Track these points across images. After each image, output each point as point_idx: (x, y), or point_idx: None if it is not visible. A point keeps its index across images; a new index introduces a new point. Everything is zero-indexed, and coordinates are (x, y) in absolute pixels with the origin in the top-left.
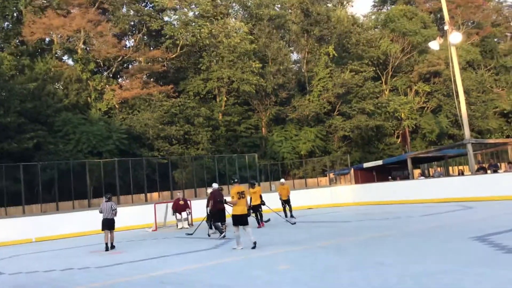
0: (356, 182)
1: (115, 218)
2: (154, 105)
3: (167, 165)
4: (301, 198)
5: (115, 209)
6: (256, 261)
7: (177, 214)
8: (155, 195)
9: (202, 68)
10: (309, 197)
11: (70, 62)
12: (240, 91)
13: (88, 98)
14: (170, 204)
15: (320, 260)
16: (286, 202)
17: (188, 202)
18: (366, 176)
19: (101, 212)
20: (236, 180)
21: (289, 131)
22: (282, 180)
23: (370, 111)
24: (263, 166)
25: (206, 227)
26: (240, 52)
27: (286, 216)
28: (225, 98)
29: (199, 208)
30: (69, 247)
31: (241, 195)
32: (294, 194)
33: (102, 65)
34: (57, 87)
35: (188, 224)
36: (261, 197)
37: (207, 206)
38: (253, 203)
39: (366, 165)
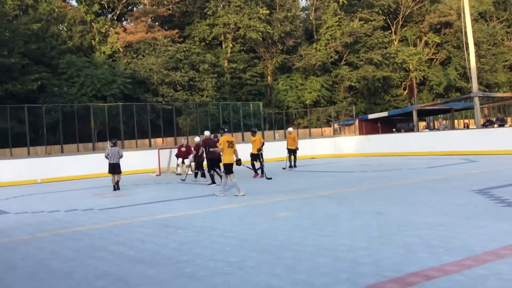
0: (361, 133)
1: (120, 162)
2: (159, 50)
3: (171, 111)
4: (305, 147)
5: (122, 154)
6: (257, 208)
7: (178, 159)
8: (159, 140)
9: (208, 13)
10: (313, 146)
11: (74, 3)
12: (246, 38)
13: (92, 41)
14: (174, 150)
15: (321, 209)
16: (292, 151)
17: (192, 149)
18: (371, 128)
19: (107, 156)
20: (226, 129)
21: (295, 80)
22: (290, 129)
23: (378, 61)
24: (267, 114)
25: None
26: None
27: (291, 166)
28: (231, 45)
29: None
30: (73, 189)
31: (230, 144)
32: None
33: (106, 7)
34: (61, 28)
35: (192, 170)
36: (262, 145)
37: (196, 154)
38: (253, 151)
39: (371, 116)
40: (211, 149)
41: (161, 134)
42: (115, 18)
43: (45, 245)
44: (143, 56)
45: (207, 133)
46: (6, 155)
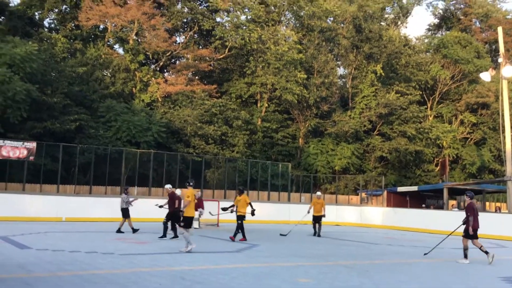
0: (388, 205)
1: (129, 207)
2: (196, 102)
3: (200, 163)
4: (330, 214)
5: (131, 200)
6: (276, 271)
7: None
8: (184, 191)
9: (247, 71)
10: (338, 213)
11: (121, 51)
12: (282, 99)
13: (133, 89)
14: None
15: (342, 279)
16: (318, 218)
17: (203, 201)
18: (399, 200)
19: (126, 201)
20: (191, 183)
21: (326, 145)
22: (318, 193)
23: (411, 135)
24: (295, 176)
25: (228, 229)
26: (286, 61)
27: (315, 234)
28: (266, 104)
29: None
30: (96, 231)
31: (195, 198)
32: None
33: (150, 57)
34: (105, 74)
35: (198, 225)
36: (250, 205)
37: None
38: (239, 212)
39: (400, 189)
40: (228, 208)
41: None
42: (158, 69)
43: (63, 285)
44: (180, 107)
45: (169, 186)
46: (36, 190)
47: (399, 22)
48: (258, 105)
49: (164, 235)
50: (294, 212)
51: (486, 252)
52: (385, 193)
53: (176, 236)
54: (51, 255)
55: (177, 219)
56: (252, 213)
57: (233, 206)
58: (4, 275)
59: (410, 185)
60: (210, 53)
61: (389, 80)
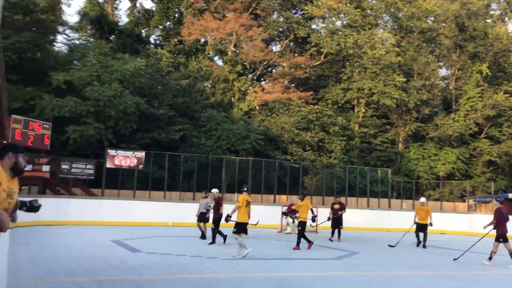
0: None
1: (208, 212)
2: (292, 110)
3: (298, 170)
4: (434, 221)
5: (210, 205)
6: (378, 279)
7: (289, 217)
8: (283, 197)
9: (343, 77)
10: (444, 221)
11: (220, 63)
12: (379, 104)
13: (232, 98)
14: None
15: None
16: (422, 227)
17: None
18: (511, 208)
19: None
20: (245, 189)
21: (428, 150)
22: (422, 199)
23: None
24: (395, 182)
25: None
26: (384, 64)
27: (419, 243)
28: (363, 110)
29: (322, 215)
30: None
31: (248, 204)
32: None
33: (248, 67)
34: (205, 85)
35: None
36: (312, 211)
37: (219, 212)
38: (300, 218)
39: None
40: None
41: (286, 191)
42: (255, 78)
43: (171, 287)
44: (277, 114)
45: (216, 190)
46: (145, 197)
47: (506, 19)
48: (355, 110)
49: (213, 241)
50: (395, 219)
51: None
52: (494, 200)
53: (213, 242)
54: (160, 259)
55: (217, 225)
56: (313, 219)
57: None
58: (119, 277)
59: None
60: (306, 60)
61: (497, 80)
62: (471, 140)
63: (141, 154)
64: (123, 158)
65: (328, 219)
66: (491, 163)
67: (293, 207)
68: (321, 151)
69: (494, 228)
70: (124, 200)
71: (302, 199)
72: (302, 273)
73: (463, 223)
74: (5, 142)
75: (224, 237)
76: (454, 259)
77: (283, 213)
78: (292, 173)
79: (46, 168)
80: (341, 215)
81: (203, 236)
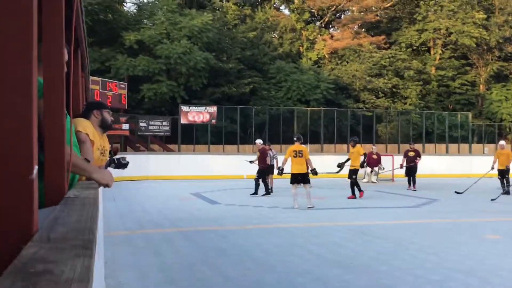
0: None
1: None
2: (363, 56)
3: (371, 118)
4: None
5: (276, 157)
6: (461, 226)
7: (368, 167)
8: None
9: (417, 18)
10: None
11: (287, 12)
12: (458, 44)
13: (300, 48)
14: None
15: None
16: (502, 172)
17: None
18: None
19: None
20: (295, 138)
21: None
22: (502, 142)
23: None
24: (476, 126)
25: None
26: (462, 1)
27: (505, 192)
28: (440, 51)
29: (398, 164)
30: (276, 187)
31: (298, 153)
32: None
33: (316, 14)
34: (273, 36)
35: (377, 179)
36: (364, 156)
37: (264, 162)
38: (351, 166)
39: None
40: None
41: (360, 140)
42: (323, 25)
43: (251, 237)
44: (347, 62)
45: (260, 141)
46: (219, 150)
47: None
48: (431, 52)
49: (256, 192)
50: (476, 164)
51: None
52: None
53: (267, 193)
54: (238, 210)
55: (264, 175)
56: (361, 165)
57: (348, 160)
58: (203, 227)
59: None
60: (376, 2)
61: None
62: None
63: (213, 109)
64: (196, 114)
65: (401, 167)
66: None
67: (348, 155)
68: (395, 97)
69: None
70: (199, 155)
71: (353, 146)
72: (382, 221)
73: None
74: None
75: (268, 190)
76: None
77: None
78: (365, 122)
79: (125, 126)
80: (416, 163)
81: (270, 189)
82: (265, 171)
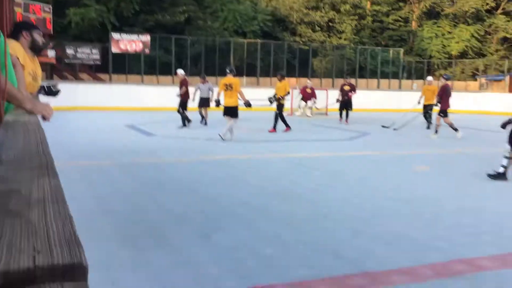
0: (511, 91)
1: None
2: None
3: (307, 52)
4: None
5: (212, 90)
6: (392, 159)
7: (302, 101)
8: (292, 80)
9: None
10: (455, 101)
11: None
12: None
13: None
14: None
15: (462, 167)
16: (428, 107)
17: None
18: None
19: (196, 90)
20: (228, 71)
21: (442, 28)
22: (429, 78)
23: None
24: (407, 62)
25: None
26: None
27: (428, 125)
28: None
29: (332, 98)
30: (211, 119)
31: (228, 87)
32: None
33: None
34: None
35: (311, 113)
36: (288, 93)
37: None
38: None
39: None
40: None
41: (295, 74)
42: None
43: (190, 170)
44: None
45: (181, 71)
46: (153, 81)
47: None
48: None
49: (184, 124)
50: (405, 100)
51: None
52: (507, 78)
53: (184, 125)
54: (175, 142)
55: (184, 106)
56: (270, 101)
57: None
58: (139, 159)
59: None
60: None
61: None
62: (487, 17)
63: (146, 37)
64: (128, 42)
65: (337, 101)
66: (505, 40)
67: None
68: (331, 31)
69: (437, 104)
70: (132, 86)
71: (280, 80)
72: (318, 153)
73: (474, 102)
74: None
75: (189, 121)
76: (394, 129)
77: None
78: (301, 55)
79: (51, 53)
80: (351, 97)
81: (205, 122)
82: (185, 102)
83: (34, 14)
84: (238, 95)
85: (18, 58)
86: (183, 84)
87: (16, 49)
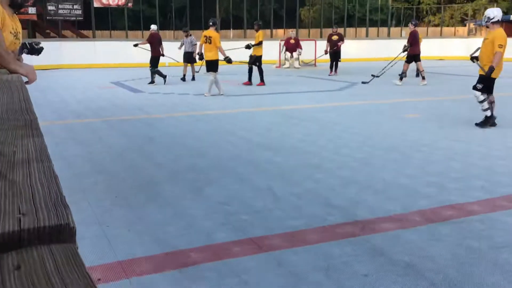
0: None
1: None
2: None
3: (295, 1)
4: (434, 47)
5: (195, 43)
6: (382, 108)
7: (287, 53)
8: (280, 31)
9: None
10: (443, 47)
11: None
12: None
13: None
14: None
15: (452, 113)
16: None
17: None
18: None
19: (182, 45)
20: (211, 23)
21: None
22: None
23: None
24: (395, 9)
25: (321, 68)
26: None
27: (417, 74)
28: None
29: (320, 49)
30: (199, 74)
31: (208, 39)
32: (426, 42)
33: None
34: None
35: (299, 64)
36: (260, 43)
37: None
38: (253, 53)
39: None
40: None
41: (283, 25)
42: None
43: (179, 124)
44: None
45: (154, 27)
46: (138, 37)
47: None
48: None
49: (153, 81)
50: (393, 48)
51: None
52: (410, 23)
53: (152, 82)
54: (163, 98)
55: (154, 62)
56: (200, 57)
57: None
58: (127, 116)
59: None
60: None
61: None
62: None
63: None
64: None
65: (326, 53)
66: None
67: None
68: None
69: (405, 51)
70: (116, 41)
71: (257, 30)
72: (307, 105)
73: (463, 48)
74: None
75: (164, 77)
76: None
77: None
78: (288, 5)
79: (32, 10)
80: (339, 46)
81: (192, 77)
82: (156, 59)
83: None
84: (218, 50)
85: None
86: (154, 39)
87: None
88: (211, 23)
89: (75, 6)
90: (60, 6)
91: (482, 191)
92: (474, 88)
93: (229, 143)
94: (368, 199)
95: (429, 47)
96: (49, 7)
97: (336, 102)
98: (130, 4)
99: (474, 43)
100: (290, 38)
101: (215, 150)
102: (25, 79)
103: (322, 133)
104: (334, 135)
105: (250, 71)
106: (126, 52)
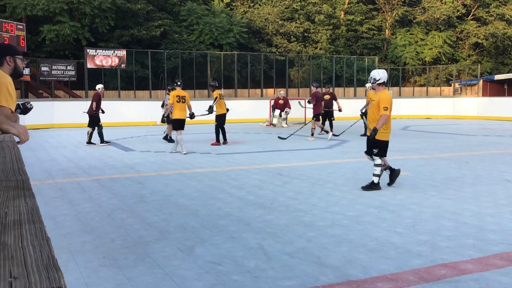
0: (484, 95)
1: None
2: None
3: (284, 62)
4: (421, 107)
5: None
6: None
7: (277, 110)
8: (270, 91)
9: None
10: (430, 106)
11: None
12: None
13: None
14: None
15: (440, 171)
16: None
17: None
18: (496, 90)
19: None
20: (178, 83)
21: (415, 35)
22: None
23: (511, 17)
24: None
25: (307, 128)
26: None
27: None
28: None
29: (310, 108)
30: (190, 133)
31: (181, 99)
32: (412, 102)
33: None
34: None
35: (286, 123)
36: (215, 99)
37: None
38: (217, 112)
39: (497, 77)
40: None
41: (273, 84)
42: None
43: (170, 183)
44: (260, 5)
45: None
46: (130, 96)
47: None
48: None
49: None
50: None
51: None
52: (480, 82)
53: (102, 141)
54: (154, 156)
55: (93, 123)
56: (191, 116)
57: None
58: (118, 175)
59: (508, 72)
60: None
61: None
62: (458, 23)
63: (122, 52)
64: (104, 58)
65: (309, 102)
66: (477, 45)
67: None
68: (306, 41)
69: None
70: (109, 101)
71: (213, 91)
72: (297, 163)
73: (449, 107)
74: None
75: (102, 138)
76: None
77: (273, 108)
78: (278, 66)
79: (25, 71)
80: (331, 106)
81: (166, 137)
82: (95, 118)
83: (8, 32)
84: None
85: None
86: (96, 99)
87: (7, 78)
88: (179, 83)
89: (68, 67)
90: (53, 67)
91: (474, 249)
92: (368, 153)
93: (220, 201)
94: (361, 258)
95: (416, 106)
96: (43, 68)
97: (326, 160)
98: (123, 66)
99: (460, 102)
100: (279, 98)
101: (206, 208)
102: (17, 139)
103: (313, 191)
104: (325, 193)
105: (217, 131)
106: (119, 111)
